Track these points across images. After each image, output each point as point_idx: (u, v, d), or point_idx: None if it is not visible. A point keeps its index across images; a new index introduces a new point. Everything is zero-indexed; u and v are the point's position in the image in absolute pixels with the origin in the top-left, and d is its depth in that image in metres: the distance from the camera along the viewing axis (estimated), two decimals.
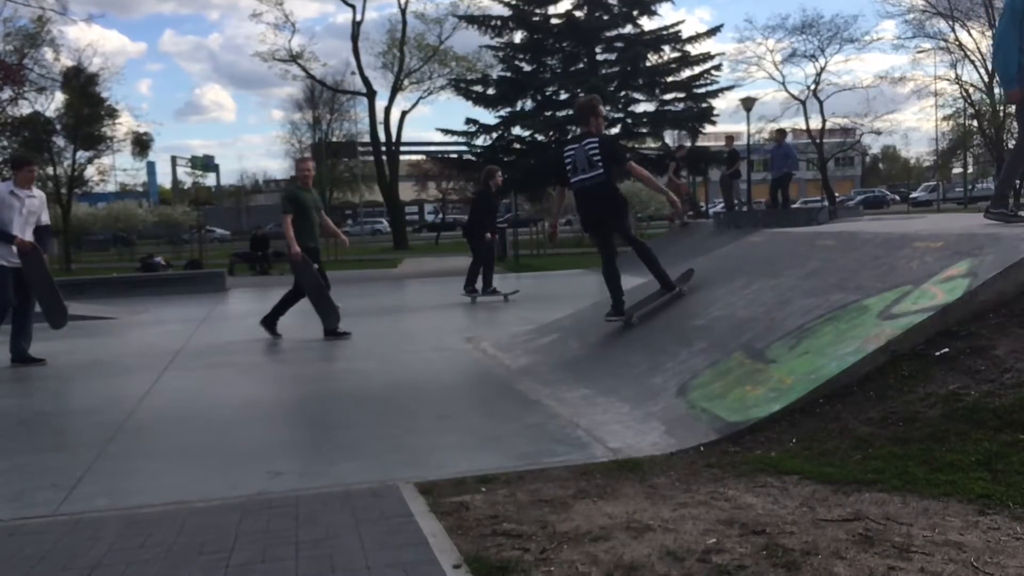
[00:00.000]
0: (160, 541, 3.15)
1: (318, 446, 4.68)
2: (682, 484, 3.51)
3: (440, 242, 39.38)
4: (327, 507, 3.45)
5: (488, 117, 30.03)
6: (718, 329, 5.56)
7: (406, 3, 39.26)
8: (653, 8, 27.82)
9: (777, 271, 6.16)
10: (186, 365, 7.46)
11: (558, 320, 7.94)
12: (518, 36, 28.82)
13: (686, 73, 28.86)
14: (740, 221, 15.73)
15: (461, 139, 29.54)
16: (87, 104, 32.03)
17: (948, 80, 40.95)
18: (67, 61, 32.11)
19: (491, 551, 2.88)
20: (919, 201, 50.83)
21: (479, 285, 11.88)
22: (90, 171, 34.27)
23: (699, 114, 28.47)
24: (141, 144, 38.09)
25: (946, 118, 43.76)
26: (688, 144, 28.01)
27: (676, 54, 28.50)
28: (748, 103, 30.45)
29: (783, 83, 62.24)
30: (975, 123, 40.81)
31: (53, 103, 32.07)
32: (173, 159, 62.82)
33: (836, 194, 46.41)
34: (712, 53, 29.77)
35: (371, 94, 39.65)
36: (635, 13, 27.62)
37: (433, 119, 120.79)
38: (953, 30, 38.33)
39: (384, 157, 39.94)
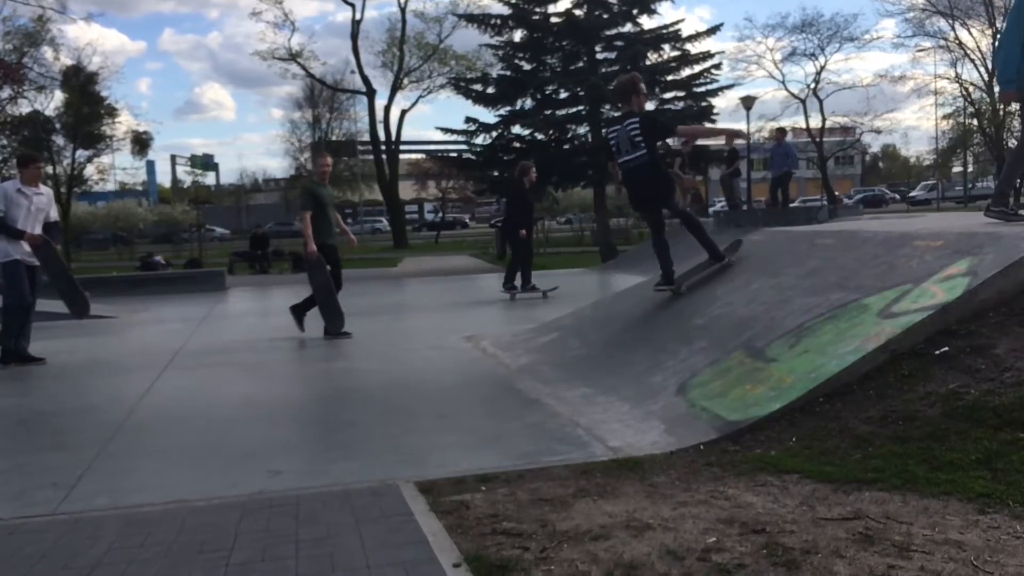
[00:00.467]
0: (160, 540, 3.15)
1: (318, 445, 4.68)
2: (682, 483, 3.51)
3: (440, 241, 39.41)
4: (327, 506, 3.45)
5: (488, 116, 30.00)
6: (718, 328, 5.56)
7: (406, 2, 39.37)
8: (653, 7, 27.79)
9: (777, 270, 6.15)
10: (186, 364, 7.46)
11: (558, 319, 7.94)
12: (518, 35, 28.78)
13: (686, 72, 28.82)
14: (740, 220, 15.72)
15: (461, 138, 29.52)
16: (87, 103, 32.06)
17: (948, 79, 41.09)
18: (67, 60, 32.18)
19: (491, 550, 2.88)
20: (917, 200, 50.86)
21: (518, 282, 11.92)
22: (89, 170, 34.36)
23: (699, 113, 28.39)
24: (141, 143, 38.15)
25: (946, 117, 43.89)
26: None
27: (676, 53, 28.46)
28: (748, 102, 30.45)
29: (783, 82, 62.28)
30: (975, 122, 40.87)
31: (53, 102, 32.14)
32: (173, 158, 62.84)
33: (836, 193, 46.41)
34: (712, 52, 29.75)
35: (371, 93, 39.70)
36: (635, 12, 27.58)
37: (433, 118, 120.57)
38: (953, 29, 38.44)
39: (384, 156, 39.96)
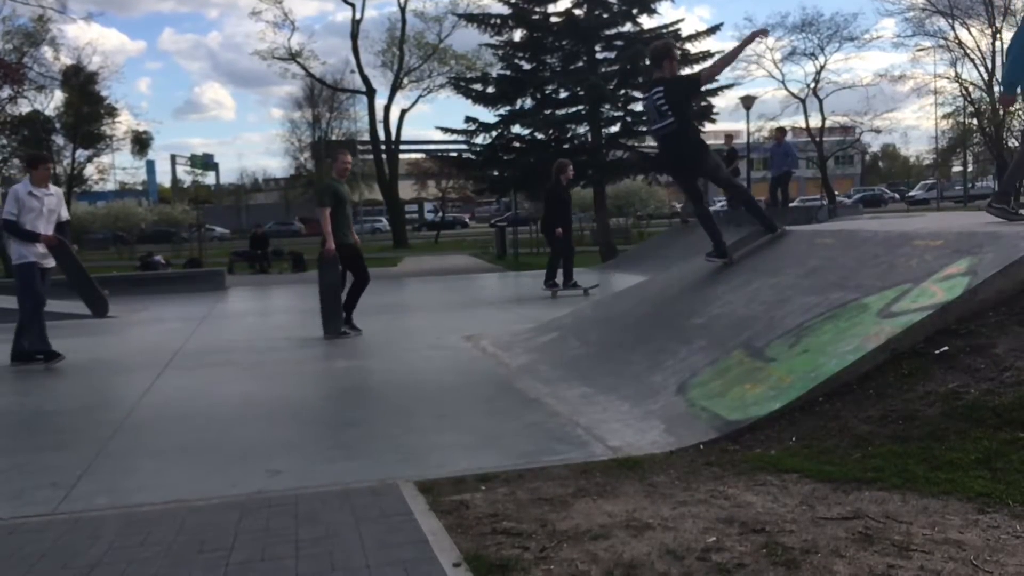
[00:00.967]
0: (160, 539, 3.15)
1: (318, 444, 4.67)
2: (682, 482, 3.51)
3: (440, 240, 39.39)
4: (327, 505, 3.45)
5: (487, 115, 30.02)
6: (718, 327, 5.56)
7: (405, 1, 39.30)
8: (653, 6, 27.75)
9: (777, 269, 6.15)
10: (186, 364, 7.46)
11: (558, 318, 7.94)
12: (518, 34, 28.74)
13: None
14: (741, 220, 15.71)
15: (460, 137, 29.49)
16: (86, 103, 32.09)
17: (948, 78, 41.05)
18: (66, 60, 32.20)
19: (491, 549, 2.88)
20: (916, 199, 50.83)
21: (559, 279, 11.95)
22: (89, 170, 34.40)
23: (699, 112, 28.41)
24: (140, 142, 38.19)
25: (946, 116, 43.88)
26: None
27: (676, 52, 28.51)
28: (747, 101, 30.45)
29: (783, 81, 62.32)
30: (975, 121, 40.87)
31: (52, 101, 32.17)
32: (172, 157, 62.70)
33: (836, 192, 46.42)
34: (712, 52, 29.65)
35: (370, 92, 39.65)
36: (635, 11, 27.55)
37: (432, 117, 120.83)
38: (953, 28, 38.42)
39: (384, 155, 39.93)
